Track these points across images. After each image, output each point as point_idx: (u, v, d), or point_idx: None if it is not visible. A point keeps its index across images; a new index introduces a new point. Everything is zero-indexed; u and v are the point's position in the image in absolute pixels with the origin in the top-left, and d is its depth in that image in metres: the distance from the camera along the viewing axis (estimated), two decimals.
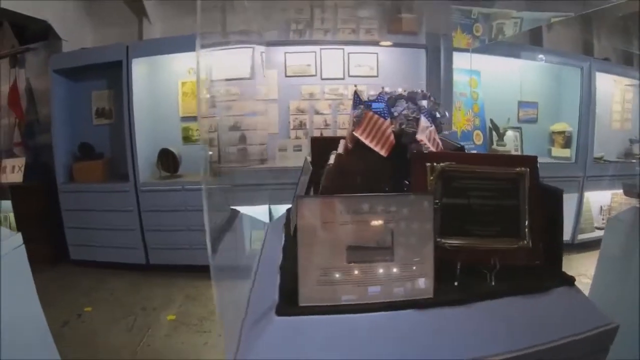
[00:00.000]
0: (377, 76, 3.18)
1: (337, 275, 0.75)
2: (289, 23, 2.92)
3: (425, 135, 1.02)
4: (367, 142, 1.02)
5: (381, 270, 0.76)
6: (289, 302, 0.75)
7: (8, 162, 3.48)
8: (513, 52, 3.46)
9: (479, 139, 3.38)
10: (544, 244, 0.89)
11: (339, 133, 3.15)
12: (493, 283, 0.83)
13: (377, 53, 3.15)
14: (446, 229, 0.87)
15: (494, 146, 3.41)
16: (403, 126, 1.03)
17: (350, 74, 3.16)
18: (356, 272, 0.75)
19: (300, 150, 3.00)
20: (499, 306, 0.78)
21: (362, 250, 0.75)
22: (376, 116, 1.02)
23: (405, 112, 1.07)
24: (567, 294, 0.83)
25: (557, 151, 3.65)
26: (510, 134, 3.57)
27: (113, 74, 3.24)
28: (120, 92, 3.18)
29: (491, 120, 3.41)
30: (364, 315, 0.73)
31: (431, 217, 0.78)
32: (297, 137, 3.14)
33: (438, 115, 1.16)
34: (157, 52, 3.14)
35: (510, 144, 3.58)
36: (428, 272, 0.78)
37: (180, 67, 3.30)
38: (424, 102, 1.21)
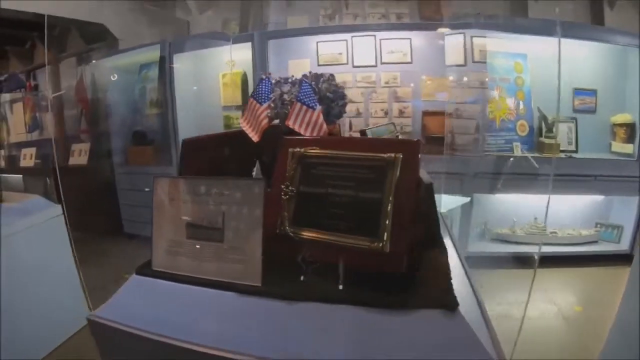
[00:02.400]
0: (411, 62, 3.07)
1: (179, 248, 0.82)
2: (318, 9, 2.96)
3: (300, 120, 0.99)
4: (245, 128, 1.03)
5: (213, 250, 0.79)
6: (150, 265, 0.85)
7: (76, 147, 3.98)
8: (567, 32, 3.11)
9: (523, 129, 3.12)
10: (420, 251, 0.73)
11: (371, 122, 3.12)
12: (341, 286, 0.72)
13: (410, 38, 3.05)
14: (299, 219, 0.80)
15: (542, 138, 3.12)
16: (276, 110, 1.00)
17: (383, 60, 3.10)
18: (193, 247, 0.81)
19: None
20: (333, 313, 0.68)
21: (197, 228, 0.81)
22: (254, 102, 1.03)
23: (285, 96, 1.04)
24: (438, 319, 0.65)
25: (617, 146, 3.22)
26: (563, 125, 3.25)
27: (162, 68, 3.54)
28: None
29: (538, 109, 3.12)
30: (196, 288, 0.78)
31: (261, 204, 0.76)
32: None
33: (331, 96, 1.07)
34: (196, 47, 3.38)
35: (563, 136, 3.25)
36: (255, 259, 0.76)
37: (220, 60, 3.50)
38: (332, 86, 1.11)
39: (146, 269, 0.85)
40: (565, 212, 3.28)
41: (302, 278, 0.75)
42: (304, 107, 0.99)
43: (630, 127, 3.20)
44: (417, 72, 3.06)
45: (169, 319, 0.73)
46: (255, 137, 1.01)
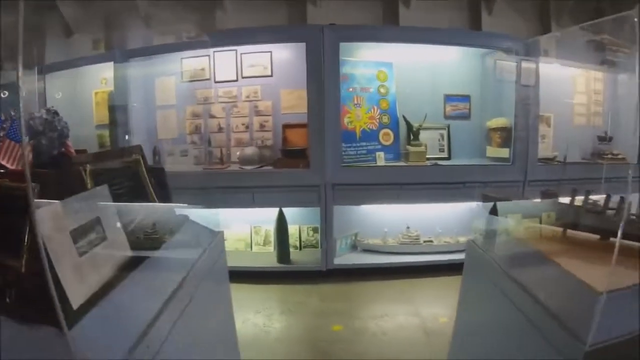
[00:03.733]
0: (271, 75, 3.05)
1: None
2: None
3: (9, 154, 1.10)
4: None
5: None
6: None
7: None
8: (437, 39, 3.09)
9: (387, 138, 3.09)
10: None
11: (233, 136, 3.10)
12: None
13: (270, 51, 3.03)
14: None
15: (408, 146, 3.09)
16: None
17: (244, 74, 3.08)
18: None
19: (187, 155, 3.00)
20: None
21: None
22: None
23: (1, 133, 1.14)
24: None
25: (492, 151, 3.21)
26: (434, 132, 3.22)
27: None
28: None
29: (404, 117, 3.10)
30: None
31: None
32: (192, 142, 3.14)
33: (41, 129, 1.15)
34: (70, 66, 3.35)
35: (434, 144, 3.22)
36: None
37: (94, 78, 3.47)
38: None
39: None
40: (442, 220, 3.24)
41: None
42: (12, 143, 1.11)
43: (505, 131, 3.18)
44: (277, 85, 3.04)
45: None
46: None
